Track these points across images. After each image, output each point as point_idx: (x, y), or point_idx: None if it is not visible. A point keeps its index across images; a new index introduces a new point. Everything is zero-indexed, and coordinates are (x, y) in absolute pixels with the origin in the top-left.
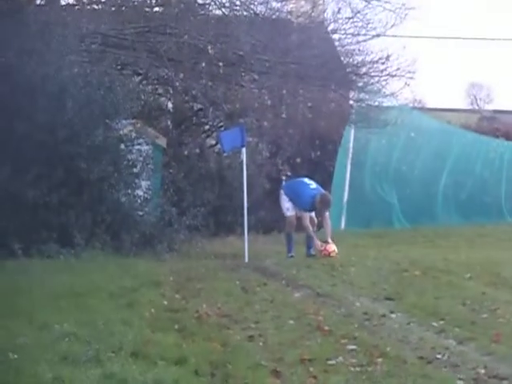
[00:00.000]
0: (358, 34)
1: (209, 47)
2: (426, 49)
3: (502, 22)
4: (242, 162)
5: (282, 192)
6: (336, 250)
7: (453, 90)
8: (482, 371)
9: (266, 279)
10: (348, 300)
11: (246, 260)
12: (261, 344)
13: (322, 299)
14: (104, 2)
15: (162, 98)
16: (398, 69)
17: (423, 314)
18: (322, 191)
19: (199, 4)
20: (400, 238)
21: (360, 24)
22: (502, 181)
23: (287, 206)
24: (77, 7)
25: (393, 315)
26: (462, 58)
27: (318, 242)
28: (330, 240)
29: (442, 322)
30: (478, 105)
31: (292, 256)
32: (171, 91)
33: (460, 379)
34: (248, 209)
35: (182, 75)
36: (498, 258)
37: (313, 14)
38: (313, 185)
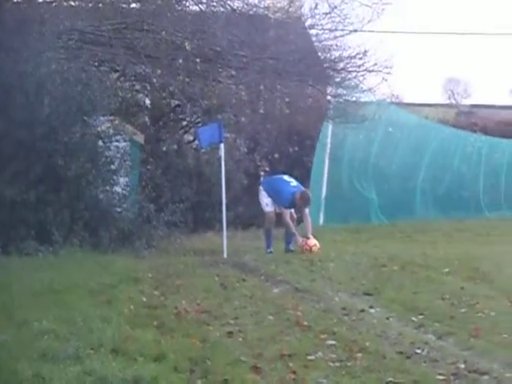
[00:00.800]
0: (336, 30)
1: (186, 43)
2: (403, 44)
3: (478, 17)
4: (220, 157)
5: (260, 188)
6: (317, 244)
7: (430, 84)
8: (462, 366)
9: (244, 275)
10: (327, 295)
11: (225, 256)
12: (240, 340)
13: (301, 294)
14: None
15: (140, 95)
16: (376, 64)
17: (402, 309)
18: (302, 188)
19: (176, 0)
20: (378, 233)
21: (337, 19)
22: (480, 175)
23: (266, 202)
24: (54, 4)
25: (372, 310)
26: (440, 52)
27: (299, 238)
28: (310, 235)
29: (420, 317)
30: (455, 99)
31: (271, 252)
32: (149, 88)
33: (439, 374)
34: (226, 205)
35: (159, 71)
36: (476, 253)
37: (290, 9)
38: (293, 182)
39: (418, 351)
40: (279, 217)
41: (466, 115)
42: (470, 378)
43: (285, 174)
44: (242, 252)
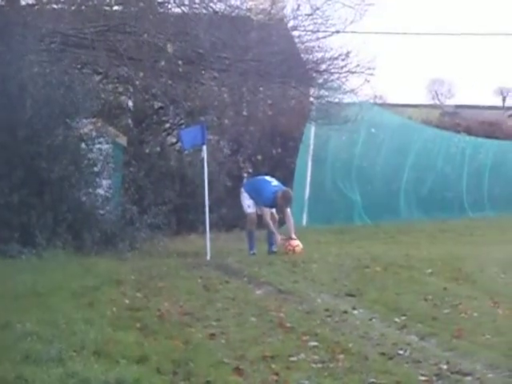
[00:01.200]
0: (318, 31)
1: (168, 45)
2: (386, 45)
3: (463, 18)
4: (202, 159)
5: (242, 190)
6: (300, 244)
7: (414, 85)
8: (445, 367)
9: (227, 277)
10: (310, 297)
11: (208, 258)
12: (223, 342)
13: (284, 296)
14: (63, 2)
15: (123, 97)
16: (358, 65)
17: (385, 310)
18: (284, 188)
19: (158, 2)
20: (361, 234)
21: (319, 21)
22: (464, 176)
23: (248, 204)
24: (36, 7)
25: (354, 311)
26: (423, 53)
27: (278, 237)
28: (293, 236)
29: (403, 318)
30: (439, 100)
31: (254, 253)
32: (131, 90)
33: (422, 375)
34: (209, 207)
35: (141, 74)
36: (459, 254)
37: (272, 11)
38: (274, 182)
39: (401, 352)
40: (261, 218)
41: (450, 116)
42: (453, 378)
43: (267, 175)
44: (225, 254)
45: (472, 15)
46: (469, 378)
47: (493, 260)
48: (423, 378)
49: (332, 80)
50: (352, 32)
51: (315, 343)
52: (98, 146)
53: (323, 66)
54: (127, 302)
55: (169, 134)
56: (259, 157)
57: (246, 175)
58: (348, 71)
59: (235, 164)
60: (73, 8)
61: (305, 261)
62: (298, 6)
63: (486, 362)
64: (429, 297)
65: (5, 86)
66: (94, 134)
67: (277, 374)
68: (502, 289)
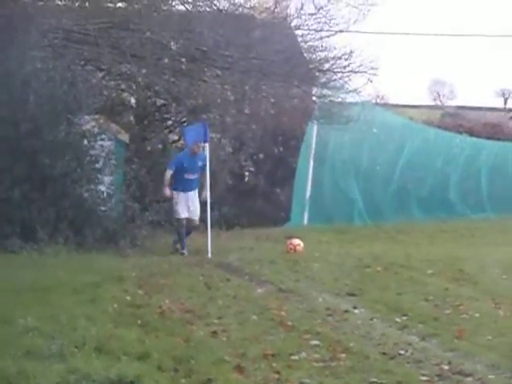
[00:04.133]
0: (321, 30)
1: (171, 43)
2: (389, 45)
3: (466, 19)
4: (205, 157)
5: None
6: (302, 244)
7: (416, 86)
8: (446, 367)
9: (228, 275)
10: (311, 295)
11: (209, 256)
12: (224, 339)
13: (285, 295)
14: None
15: (125, 94)
16: (361, 65)
17: (386, 310)
18: None
19: (162, 0)
20: (362, 234)
21: (323, 20)
22: (465, 177)
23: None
24: (40, 3)
25: (356, 311)
26: (426, 54)
27: None
28: None
29: (404, 318)
30: (440, 101)
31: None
32: (134, 87)
33: (423, 375)
34: (211, 204)
35: (144, 71)
36: (460, 254)
37: (276, 9)
38: None
39: (402, 352)
40: None
41: (452, 117)
42: (454, 379)
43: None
44: (226, 252)
45: (474, 16)
46: (470, 379)
47: (494, 261)
48: (424, 378)
49: (335, 79)
50: (355, 32)
51: (316, 342)
52: (100, 142)
53: (326, 66)
54: (128, 298)
55: (171, 132)
56: (261, 155)
57: (247, 173)
58: (351, 71)
59: (237, 162)
60: (76, 4)
61: (306, 260)
62: (302, 5)
63: (487, 363)
64: (430, 297)
65: (8, 81)
66: (96, 130)
67: (278, 373)
68: (504, 290)
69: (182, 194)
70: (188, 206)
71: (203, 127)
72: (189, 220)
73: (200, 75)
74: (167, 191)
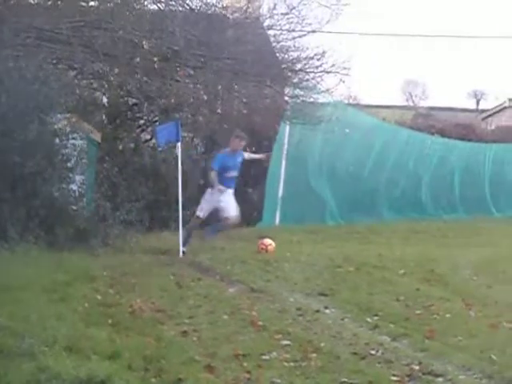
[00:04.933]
0: (294, 30)
1: (144, 42)
2: (361, 45)
3: (438, 19)
4: (176, 156)
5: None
6: (273, 244)
7: (388, 86)
8: (416, 367)
9: (200, 274)
10: (282, 295)
11: (181, 255)
12: (194, 339)
13: (256, 295)
14: None
15: (97, 93)
16: (334, 65)
17: (357, 310)
18: None
19: None
20: (334, 234)
21: (295, 20)
22: (437, 177)
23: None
24: (12, 1)
25: (327, 311)
26: (398, 55)
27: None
28: None
29: (375, 318)
30: (413, 102)
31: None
32: (106, 86)
33: (394, 375)
34: (183, 204)
35: (117, 70)
36: (432, 255)
37: (248, 9)
38: None
39: (373, 352)
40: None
41: (424, 117)
42: (425, 379)
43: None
44: (198, 251)
45: (447, 17)
46: (440, 380)
47: (465, 262)
48: (395, 379)
49: (307, 79)
50: (328, 32)
51: (287, 342)
52: (71, 141)
53: (298, 66)
54: (99, 297)
55: (143, 131)
56: None
57: None
58: (323, 71)
59: (209, 162)
60: (49, 3)
61: (277, 260)
62: (275, 5)
63: (458, 364)
64: (401, 297)
65: None
66: (68, 129)
67: (249, 373)
68: (474, 291)
69: (216, 194)
70: (216, 206)
71: (175, 126)
72: (224, 217)
73: (172, 74)
74: (220, 187)
